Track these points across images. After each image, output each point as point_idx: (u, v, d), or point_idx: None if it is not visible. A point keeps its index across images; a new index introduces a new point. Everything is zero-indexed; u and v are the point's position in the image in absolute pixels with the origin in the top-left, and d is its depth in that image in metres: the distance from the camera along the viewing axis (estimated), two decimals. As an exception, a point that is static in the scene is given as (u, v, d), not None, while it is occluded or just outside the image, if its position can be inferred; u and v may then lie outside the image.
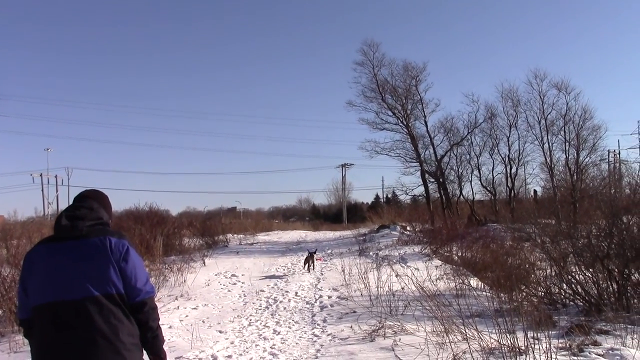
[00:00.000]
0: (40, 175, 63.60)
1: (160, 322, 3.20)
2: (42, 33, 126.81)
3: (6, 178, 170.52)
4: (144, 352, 3.10)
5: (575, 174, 34.60)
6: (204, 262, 17.15)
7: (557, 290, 10.32)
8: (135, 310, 3.01)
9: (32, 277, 2.98)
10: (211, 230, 25.71)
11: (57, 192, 65.48)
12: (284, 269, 16.39)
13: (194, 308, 10.45)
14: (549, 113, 36.43)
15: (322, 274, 14.93)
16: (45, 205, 63.21)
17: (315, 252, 16.36)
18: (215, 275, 15.09)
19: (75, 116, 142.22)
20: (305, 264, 15.70)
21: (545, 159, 36.42)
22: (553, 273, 10.73)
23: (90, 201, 3.20)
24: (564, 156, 36.11)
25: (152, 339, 3.09)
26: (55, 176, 65.34)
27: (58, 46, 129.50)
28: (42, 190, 63.70)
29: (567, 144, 35.74)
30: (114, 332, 2.85)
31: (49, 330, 2.84)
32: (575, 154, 35.36)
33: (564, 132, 35.84)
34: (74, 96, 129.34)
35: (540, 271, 11.53)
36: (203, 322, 9.42)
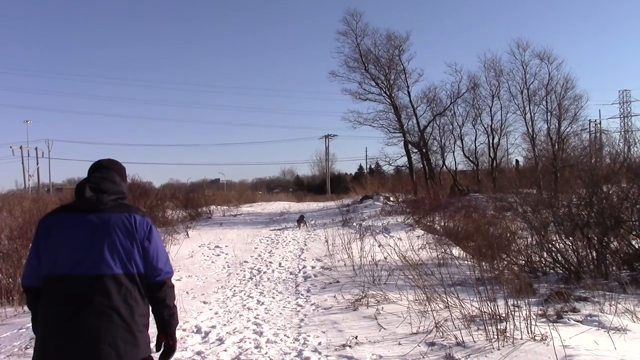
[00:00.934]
0: (20, 147, 62.75)
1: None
2: (20, 3, 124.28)
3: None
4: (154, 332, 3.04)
5: (556, 144, 34.85)
6: (187, 234, 17.15)
7: (537, 258, 10.46)
8: (154, 289, 2.95)
9: (48, 245, 2.84)
10: (194, 202, 25.59)
11: (37, 164, 64.86)
12: (267, 239, 16.44)
13: (178, 279, 10.44)
14: (531, 83, 36.59)
15: (305, 245, 14.99)
16: (26, 177, 62.58)
17: (303, 217, 20.85)
18: (199, 246, 15.10)
19: (54, 88, 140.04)
20: (298, 223, 19.78)
21: (527, 129, 36.66)
22: (534, 242, 10.87)
23: (113, 173, 3.07)
24: (546, 126, 36.39)
25: (168, 317, 3.02)
26: (36, 148, 64.64)
27: (37, 17, 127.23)
28: (22, 162, 62.95)
29: (549, 113, 35.96)
30: (130, 312, 2.77)
31: (61, 303, 2.72)
32: (557, 124, 35.58)
33: (546, 102, 36.04)
34: (53, 67, 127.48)
35: (522, 240, 11.66)
36: (187, 293, 9.44)
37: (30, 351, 6.13)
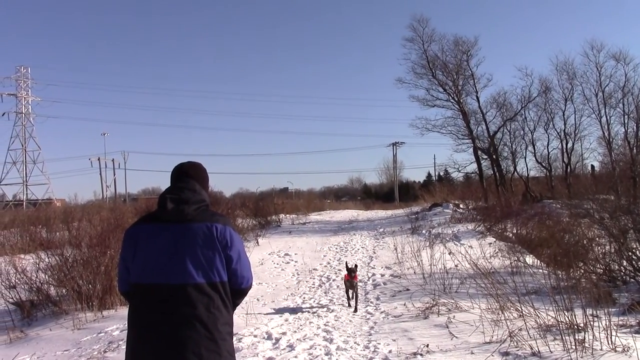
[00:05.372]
0: (98, 159, 65.67)
1: None
2: (97, 21, 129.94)
3: (66, 163, 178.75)
4: None
5: (635, 148, 33.39)
6: (257, 242, 17.42)
7: (616, 267, 10.05)
8: (235, 295, 3.04)
9: (135, 255, 2.95)
10: (264, 211, 25.92)
11: (114, 175, 67.51)
12: (337, 246, 16.47)
13: (249, 287, 10.54)
14: (607, 85, 35.10)
15: (374, 253, 14.93)
16: (104, 188, 65.25)
17: (355, 267, 9.12)
18: (269, 254, 15.29)
19: (129, 101, 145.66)
20: (348, 283, 8.92)
21: (603, 133, 35.23)
22: (612, 249, 10.44)
23: (193, 182, 3.12)
24: (623, 129, 34.86)
25: None
26: (112, 160, 67.34)
27: (113, 34, 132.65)
28: (100, 173, 65.75)
29: (626, 116, 34.46)
30: (213, 321, 2.83)
31: (148, 311, 2.83)
32: (635, 127, 34.08)
33: (623, 104, 34.55)
34: (128, 82, 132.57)
35: (599, 248, 11.23)
36: (257, 300, 9.58)
37: (109, 354, 6.39)
